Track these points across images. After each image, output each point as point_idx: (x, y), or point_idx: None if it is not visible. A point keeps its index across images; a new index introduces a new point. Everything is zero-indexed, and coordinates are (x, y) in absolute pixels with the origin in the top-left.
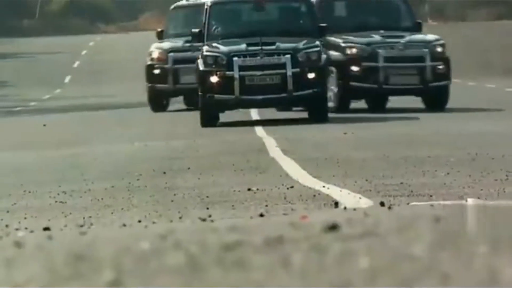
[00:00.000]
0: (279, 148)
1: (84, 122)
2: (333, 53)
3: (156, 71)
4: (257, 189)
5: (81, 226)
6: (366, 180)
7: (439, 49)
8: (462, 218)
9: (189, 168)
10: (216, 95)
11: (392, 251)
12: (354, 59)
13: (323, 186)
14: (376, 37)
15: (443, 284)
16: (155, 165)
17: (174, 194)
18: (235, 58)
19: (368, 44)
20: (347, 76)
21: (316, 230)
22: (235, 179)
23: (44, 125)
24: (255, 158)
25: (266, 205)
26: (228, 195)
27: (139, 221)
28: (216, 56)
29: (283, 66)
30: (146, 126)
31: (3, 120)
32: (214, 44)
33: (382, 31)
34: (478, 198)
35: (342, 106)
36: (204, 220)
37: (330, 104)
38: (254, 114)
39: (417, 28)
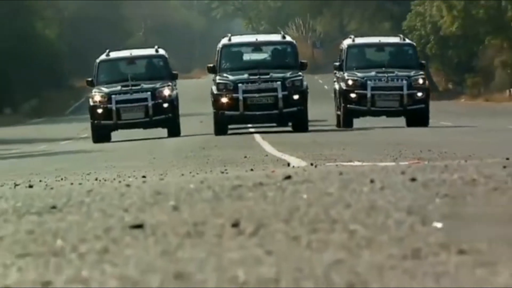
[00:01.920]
0: (261, 137)
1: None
2: (341, 84)
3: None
4: (249, 156)
5: (161, 175)
6: (304, 152)
7: (420, 81)
8: (353, 172)
9: (215, 146)
10: (226, 112)
11: (318, 190)
12: (351, 88)
13: (282, 155)
14: (372, 73)
15: (345, 209)
16: (198, 145)
17: (208, 159)
18: (239, 84)
19: (362, 77)
20: (347, 101)
21: (279, 178)
22: (238, 152)
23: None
24: (248, 141)
25: (253, 165)
26: (234, 159)
27: (190, 173)
28: (225, 83)
29: (275, 90)
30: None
31: None
32: (224, 75)
33: (383, 68)
34: (358, 161)
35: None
36: (222, 172)
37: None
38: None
39: (421, 67)
